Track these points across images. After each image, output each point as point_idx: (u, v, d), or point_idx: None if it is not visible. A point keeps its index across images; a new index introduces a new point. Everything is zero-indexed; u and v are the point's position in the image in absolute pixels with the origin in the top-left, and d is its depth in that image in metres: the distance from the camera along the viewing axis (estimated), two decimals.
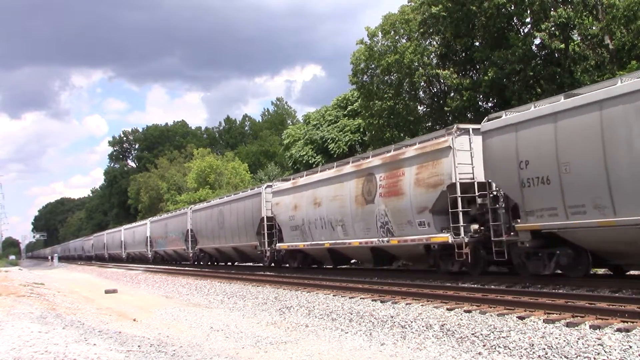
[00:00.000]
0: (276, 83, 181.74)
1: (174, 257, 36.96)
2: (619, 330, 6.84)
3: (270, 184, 23.21)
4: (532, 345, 6.56)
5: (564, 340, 6.57)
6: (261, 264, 24.33)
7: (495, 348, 6.71)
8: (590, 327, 7.18)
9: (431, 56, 25.16)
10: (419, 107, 27.43)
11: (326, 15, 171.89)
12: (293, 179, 21.22)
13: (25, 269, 46.80)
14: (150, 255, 41.08)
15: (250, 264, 27.57)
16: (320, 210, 17.97)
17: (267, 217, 21.87)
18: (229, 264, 30.56)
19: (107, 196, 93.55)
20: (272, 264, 22.73)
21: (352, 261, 20.22)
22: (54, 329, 8.53)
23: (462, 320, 8.48)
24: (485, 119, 12.23)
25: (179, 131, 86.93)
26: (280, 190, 21.15)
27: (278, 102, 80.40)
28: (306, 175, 20.02)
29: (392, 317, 9.21)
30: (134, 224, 49.24)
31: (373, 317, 9.39)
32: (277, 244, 21.16)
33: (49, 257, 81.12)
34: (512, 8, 20.87)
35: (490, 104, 23.73)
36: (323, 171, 18.91)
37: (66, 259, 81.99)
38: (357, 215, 16.04)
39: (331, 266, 20.23)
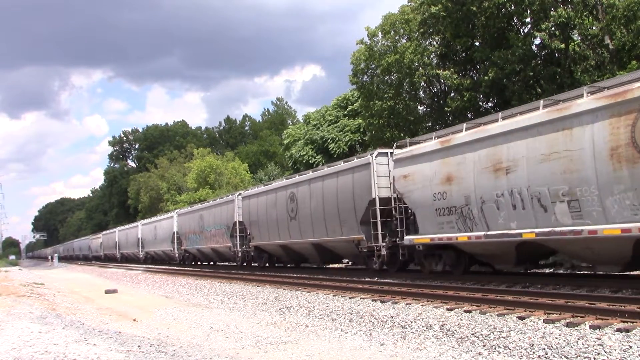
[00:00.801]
0: (276, 83, 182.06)
1: (212, 257, 30.70)
2: (619, 330, 6.84)
3: (386, 150, 16.01)
4: (532, 345, 6.56)
5: (564, 340, 6.57)
6: (364, 267, 17.76)
7: (495, 348, 6.71)
8: (590, 327, 7.18)
9: (431, 56, 25.16)
10: (419, 107, 27.42)
11: (326, 15, 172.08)
12: (437, 137, 13.86)
13: (25, 269, 46.83)
14: (177, 255, 34.47)
15: (335, 265, 21.84)
16: (511, 180, 11.23)
17: (380, 197, 15.27)
18: (290, 265, 23.88)
19: (107, 196, 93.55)
20: (384, 267, 15.89)
21: (542, 262, 13.21)
22: (54, 329, 8.53)
23: (462, 320, 8.48)
24: None
25: (179, 131, 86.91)
26: (413, 156, 14.10)
27: (278, 102, 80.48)
28: (467, 130, 12.78)
29: (392, 317, 9.21)
30: (155, 218, 41.74)
31: (373, 317, 9.39)
32: (407, 237, 14.26)
33: (49, 257, 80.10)
34: (512, 8, 20.87)
35: (490, 104, 23.75)
36: (510, 117, 11.87)
37: (70, 259, 78.82)
38: (614, 182, 9.37)
39: (519, 270, 13.45)
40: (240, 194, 25.71)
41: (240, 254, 24.78)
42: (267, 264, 24.04)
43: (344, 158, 21.58)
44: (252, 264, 25.16)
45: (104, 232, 60.34)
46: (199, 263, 34.11)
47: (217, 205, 28.02)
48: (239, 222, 24.70)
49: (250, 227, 23.91)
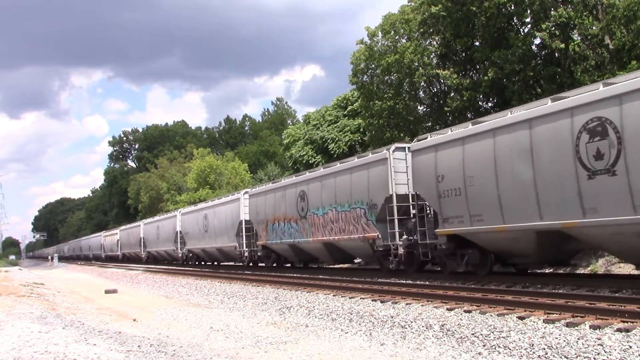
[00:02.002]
0: (276, 83, 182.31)
1: (321, 256, 19.94)
2: (619, 330, 6.84)
3: None
4: (532, 345, 6.56)
5: (564, 340, 6.57)
6: None
7: (495, 348, 6.71)
8: (590, 327, 7.18)
9: (431, 56, 25.15)
10: (419, 107, 27.42)
11: (326, 15, 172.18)
12: None
13: (25, 269, 46.82)
14: (245, 254, 24.48)
15: None
16: None
17: None
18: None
19: (107, 196, 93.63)
20: None
21: None
22: (54, 329, 8.53)
23: (462, 320, 8.48)
24: None
25: (179, 131, 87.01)
26: None
27: (278, 102, 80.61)
28: None
29: (392, 317, 9.21)
30: (204, 204, 31.44)
31: (373, 317, 9.39)
32: None
33: (50, 257, 79.23)
34: (512, 8, 20.87)
35: (490, 104, 23.74)
36: None
37: (77, 259, 74.46)
38: None
39: None
40: (400, 147, 15.34)
41: (402, 250, 14.90)
42: (468, 267, 13.35)
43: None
44: (426, 268, 15.84)
45: (122, 228, 51.44)
46: (286, 265, 23.46)
47: (337, 173, 17.85)
48: (397, 195, 14.94)
49: (439, 202, 13.39)
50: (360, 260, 19.93)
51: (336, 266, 21.43)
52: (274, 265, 23.41)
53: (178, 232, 33.92)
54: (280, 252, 22.33)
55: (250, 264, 25.22)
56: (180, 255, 33.97)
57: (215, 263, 32.58)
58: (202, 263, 33.63)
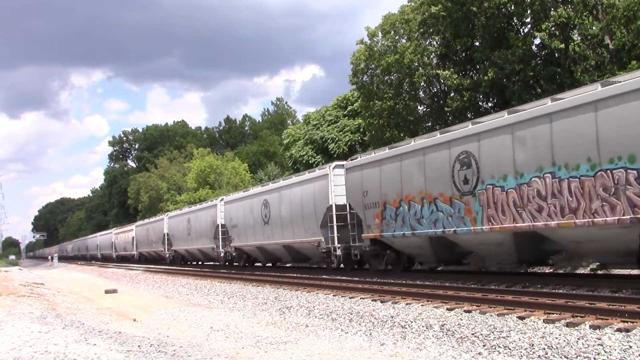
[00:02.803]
0: (275, 83, 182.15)
1: (496, 255, 12.78)
2: (619, 330, 6.84)
3: None
4: (532, 345, 6.56)
5: (564, 340, 6.57)
6: None
7: (495, 348, 6.71)
8: (590, 327, 7.18)
9: (431, 56, 25.16)
10: (419, 107, 27.43)
11: (325, 15, 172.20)
12: None
13: (25, 269, 46.82)
14: (338, 252, 17.43)
15: None
16: None
17: None
18: None
19: (107, 196, 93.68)
20: None
21: None
22: (54, 329, 8.53)
23: (462, 320, 8.48)
24: None
25: (179, 131, 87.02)
26: None
27: (278, 102, 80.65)
28: None
29: (392, 317, 9.21)
30: (260, 189, 24.03)
31: (373, 317, 9.39)
32: None
33: (50, 258, 78.83)
34: (512, 8, 20.89)
35: (490, 104, 23.75)
36: None
37: (83, 260, 71.31)
38: None
39: None
40: None
41: None
42: None
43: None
44: None
45: (139, 223, 44.59)
46: (406, 268, 16.00)
47: (551, 114, 10.33)
48: None
49: None
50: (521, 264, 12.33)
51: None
52: (387, 268, 15.96)
53: (219, 226, 26.60)
54: (405, 249, 15.19)
55: (341, 266, 18.21)
56: (222, 254, 26.79)
57: (269, 264, 25.38)
58: (256, 265, 26.19)
